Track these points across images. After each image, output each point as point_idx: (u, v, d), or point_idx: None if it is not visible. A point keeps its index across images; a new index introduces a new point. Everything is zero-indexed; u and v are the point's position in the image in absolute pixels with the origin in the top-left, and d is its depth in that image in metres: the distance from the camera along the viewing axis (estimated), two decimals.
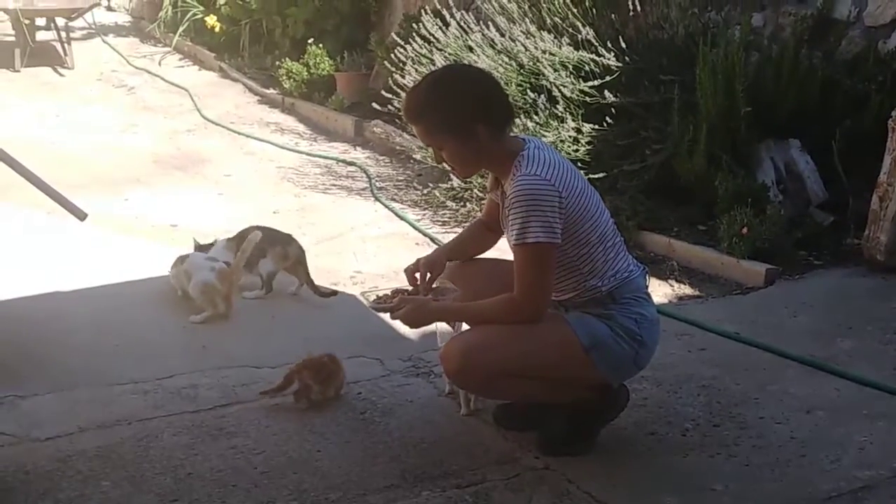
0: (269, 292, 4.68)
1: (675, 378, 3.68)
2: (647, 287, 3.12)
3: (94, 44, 11.47)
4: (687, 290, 4.82)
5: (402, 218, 5.91)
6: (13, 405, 3.49)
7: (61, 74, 10.04)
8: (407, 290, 3.18)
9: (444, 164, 3.09)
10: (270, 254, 4.64)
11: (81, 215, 4.02)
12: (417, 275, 3.21)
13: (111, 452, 3.14)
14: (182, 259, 4.55)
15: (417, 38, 6.58)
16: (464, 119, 2.90)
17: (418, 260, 3.26)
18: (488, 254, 3.45)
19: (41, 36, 10.53)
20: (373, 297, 3.17)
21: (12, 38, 10.22)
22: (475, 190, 5.84)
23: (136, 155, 7.35)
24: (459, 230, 4.64)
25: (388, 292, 3.18)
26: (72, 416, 3.40)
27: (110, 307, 4.50)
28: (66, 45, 10.30)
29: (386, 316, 3.21)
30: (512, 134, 3.06)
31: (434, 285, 3.20)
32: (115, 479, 2.98)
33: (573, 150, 5.56)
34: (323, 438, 3.25)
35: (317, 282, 4.77)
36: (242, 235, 4.65)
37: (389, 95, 6.58)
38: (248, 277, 4.69)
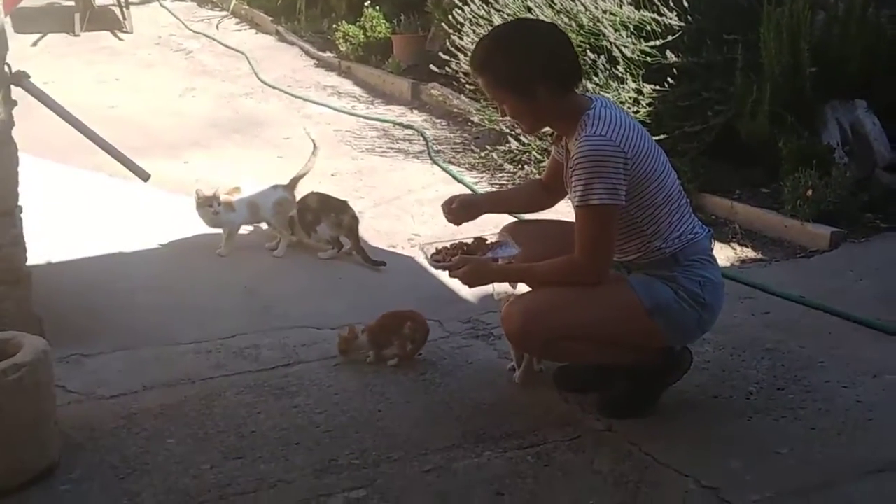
0: (342, 249, 4.75)
1: (738, 341, 3.64)
2: (711, 249, 3.08)
3: (152, 8, 11.53)
4: (750, 253, 4.76)
5: (459, 181, 5.89)
6: (79, 363, 3.55)
7: (120, 39, 10.12)
8: (467, 245, 3.15)
9: (506, 118, 3.08)
10: (325, 221, 4.68)
11: (144, 176, 4.05)
12: (486, 235, 3.20)
13: (175, 410, 3.19)
14: (241, 198, 4.77)
15: None
16: (525, 77, 2.87)
17: (454, 197, 3.30)
18: (548, 214, 3.43)
19: (100, 0, 10.61)
20: (432, 251, 3.14)
21: (72, 3, 10.31)
22: (534, 152, 5.80)
23: (195, 118, 7.40)
24: None
25: (448, 245, 3.16)
26: (136, 374, 3.46)
27: (172, 268, 4.57)
28: (124, 9, 10.37)
29: (444, 276, 3.20)
30: (579, 92, 3.01)
31: (494, 240, 3.18)
32: (180, 436, 3.02)
33: (633, 112, 5.49)
34: (384, 399, 3.27)
35: (375, 244, 4.80)
36: (302, 201, 4.72)
37: (447, 58, 6.54)
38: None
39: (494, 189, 5.70)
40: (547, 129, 3.36)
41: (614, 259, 3.00)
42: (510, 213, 3.69)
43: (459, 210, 3.30)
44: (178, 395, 3.30)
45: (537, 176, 5.66)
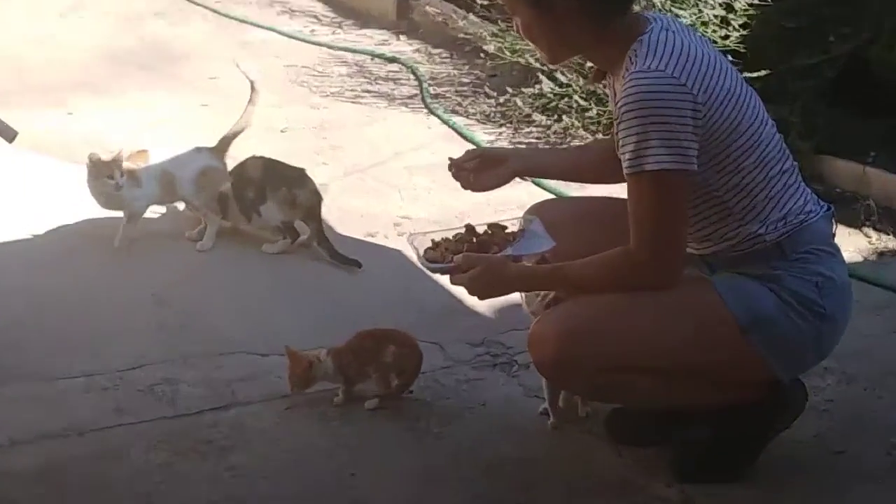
0: (296, 239, 4.72)
1: (874, 371, 3.67)
2: (833, 236, 3.08)
3: None
4: (891, 242, 4.77)
5: (467, 138, 5.90)
6: None
7: None
8: (476, 235, 3.12)
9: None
10: (272, 198, 4.64)
11: (10, 135, 4.07)
12: (504, 221, 3.20)
13: (58, 475, 3.20)
14: (149, 167, 4.79)
15: None
16: None
17: (473, 150, 3.32)
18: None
19: None
20: (426, 245, 3.12)
21: None
22: (576, 97, 5.79)
23: (83, 49, 7.39)
24: None
25: (450, 236, 3.13)
26: (0, 423, 3.47)
27: (50, 265, 4.55)
28: None
29: (445, 279, 3.19)
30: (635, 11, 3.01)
31: (516, 228, 3.17)
32: None
33: (720, 38, 5.50)
34: (358, 456, 3.29)
35: (345, 231, 4.81)
36: (239, 170, 4.73)
37: None
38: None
39: None
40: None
41: (689, 251, 3.02)
42: (562, 179, 3.66)
43: (481, 168, 3.26)
44: (61, 452, 3.31)
45: (581, 129, 5.66)
